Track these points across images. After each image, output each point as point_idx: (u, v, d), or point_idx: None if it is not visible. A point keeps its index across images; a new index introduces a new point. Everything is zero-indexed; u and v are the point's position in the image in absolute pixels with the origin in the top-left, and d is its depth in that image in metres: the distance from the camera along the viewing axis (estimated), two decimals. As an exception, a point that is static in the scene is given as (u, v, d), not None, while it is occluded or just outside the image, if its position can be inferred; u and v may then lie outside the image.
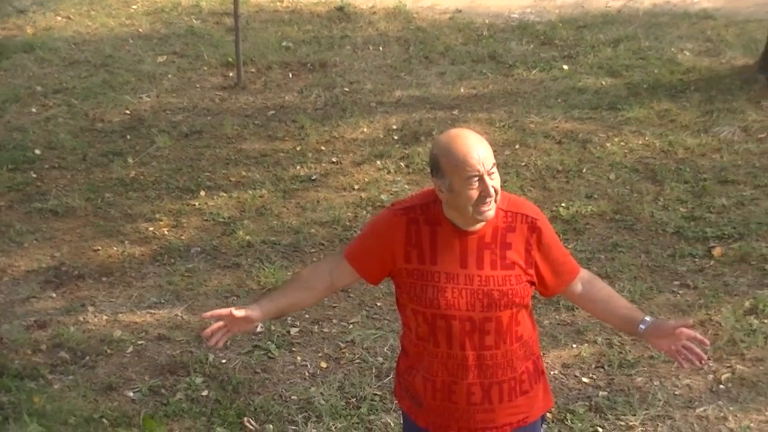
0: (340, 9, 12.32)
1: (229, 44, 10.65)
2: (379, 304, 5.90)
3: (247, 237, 6.75)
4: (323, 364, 5.32)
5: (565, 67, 9.96)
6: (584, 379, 5.10)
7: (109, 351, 5.50)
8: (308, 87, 9.76)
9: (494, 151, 2.98)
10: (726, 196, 7.01)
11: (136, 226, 7.00)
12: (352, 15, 12.16)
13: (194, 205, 7.30)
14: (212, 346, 3.16)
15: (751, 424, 4.69)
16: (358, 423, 4.79)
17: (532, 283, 3.12)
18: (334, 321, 5.75)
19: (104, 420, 4.87)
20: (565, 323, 5.61)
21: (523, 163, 7.74)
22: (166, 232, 6.91)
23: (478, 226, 3.03)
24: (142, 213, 7.20)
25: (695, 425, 4.70)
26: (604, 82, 9.46)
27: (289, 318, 5.67)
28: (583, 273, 3.28)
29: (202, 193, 7.48)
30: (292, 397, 5.03)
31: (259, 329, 5.55)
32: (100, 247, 6.72)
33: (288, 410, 4.91)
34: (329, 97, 9.43)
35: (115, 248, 6.71)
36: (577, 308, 5.41)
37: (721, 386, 4.98)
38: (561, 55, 10.37)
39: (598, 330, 5.47)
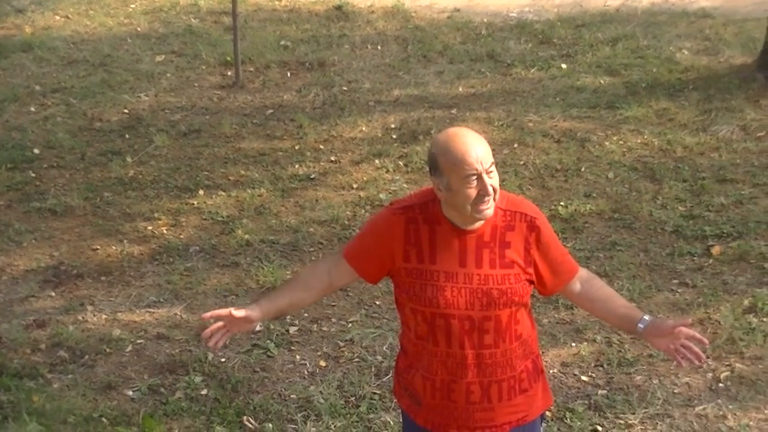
0: (339, 8, 12.32)
1: (227, 43, 10.65)
2: (378, 302, 5.91)
3: (246, 236, 6.75)
4: (322, 363, 5.33)
5: (564, 66, 9.97)
6: (583, 378, 5.11)
7: (108, 350, 5.50)
8: (307, 86, 9.76)
9: (493, 150, 2.99)
10: (725, 195, 7.01)
11: (134, 225, 7.00)
12: (350, 14, 12.16)
13: (193, 204, 7.30)
14: (212, 347, 3.16)
15: (750, 423, 4.69)
16: (357, 422, 4.79)
17: (531, 282, 3.12)
18: (333, 320, 5.76)
19: (103, 419, 4.87)
20: (564, 322, 5.61)
21: (521, 162, 7.74)
22: (164, 231, 6.91)
23: (477, 224, 3.03)
24: (140, 212, 7.20)
25: (694, 424, 4.70)
26: (602, 81, 9.46)
27: (288, 317, 5.67)
28: (582, 272, 3.28)
29: (201, 192, 7.48)
30: (292, 395, 5.03)
31: (258, 328, 5.54)
32: (98, 247, 6.72)
33: (287, 409, 4.91)
34: (328, 96, 9.43)
35: (113, 247, 6.71)
36: (576, 307, 5.41)
37: (721, 385, 4.99)
38: (559, 54, 10.37)
39: (597, 329, 5.48)
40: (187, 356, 5.40)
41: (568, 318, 5.63)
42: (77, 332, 5.66)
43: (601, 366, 5.19)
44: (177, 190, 7.53)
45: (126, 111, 9.29)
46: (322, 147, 8.24)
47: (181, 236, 6.85)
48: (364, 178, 7.59)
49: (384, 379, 5.10)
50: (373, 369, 5.22)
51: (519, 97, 9.20)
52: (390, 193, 7.25)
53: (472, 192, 2.91)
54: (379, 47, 10.89)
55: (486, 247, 3.04)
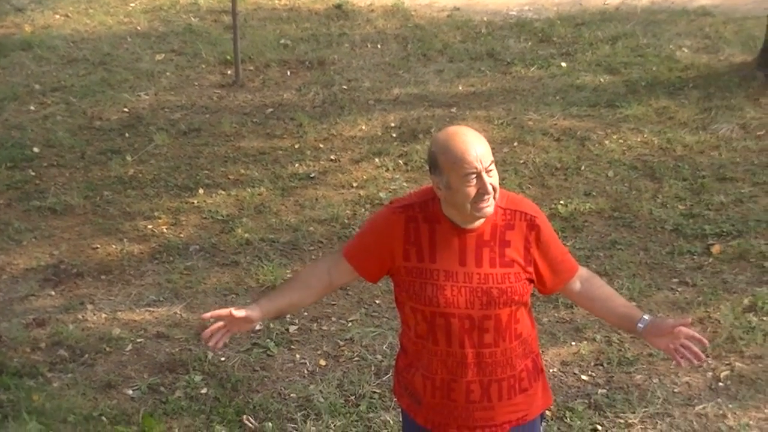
0: (338, 7, 12.32)
1: (227, 42, 10.65)
2: (378, 301, 5.90)
3: (246, 235, 6.75)
4: (322, 362, 5.32)
5: (564, 64, 9.97)
6: (583, 377, 5.10)
7: (108, 349, 5.50)
8: (306, 85, 9.76)
9: (492, 149, 2.98)
10: (724, 194, 7.01)
11: (134, 224, 7.00)
12: (350, 13, 12.16)
13: (193, 203, 7.30)
14: (212, 347, 3.16)
15: (750, 422, 4.69)
16: (357, 421, 4.79)
17: (531, 281, 3.12)
18: (333, 319, 5.75)
19: (103, 418, 4.87)
20: (564, 321, 5.61)
21: (521, 161, 7.74)
22: (164, 230, 6.91)
23: (477, 223, 3.03)
24: (140, 211, 7.20)
25: (694, 423, 4.70)
26: (602, 80, 9.46)
27: (288, 316, 5.67)
28: (582, 271, 3.27)
29: (201, 191, 7.48)
30: (291, 394, 5.03)
31: (257, 327, 5.54)
32: (98, 245, 6.72)
33: (287, 408, 4.91)
34: (327, 95, 9.43)
35: (113, 246, 6.70)
36: (576, 306, 5.41)
37: (720, 384, 4.98)
38: (559, 52, 10.37)
39: (597, 328, 5.47)
40: (186, 355, 5.40)
41: (567, 317, 5.63)
42: (77, 331, 5.66)
43: (601, 365, 5.19)
44: (177, 189, 7.53)
45: (126, 110, 9.29)
46: (322, 146, 8.24)
47: (181, 235, 6.84)
48: (364, 177, 7.59)
49: (384, 378, 5.10)
50: (372, 368, 5.22)
51: (519, 95, 9.20)
52: (390, 191, 7.25)
53: (472, 190, 2.91)
54: (378, 46, 10.89)
55: (486, 246, 3.04)
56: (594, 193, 7.14)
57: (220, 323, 3.13)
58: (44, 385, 5.15)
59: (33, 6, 12.79)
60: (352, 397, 4.98)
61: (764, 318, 5.52)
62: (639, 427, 4.68)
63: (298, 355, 5.40)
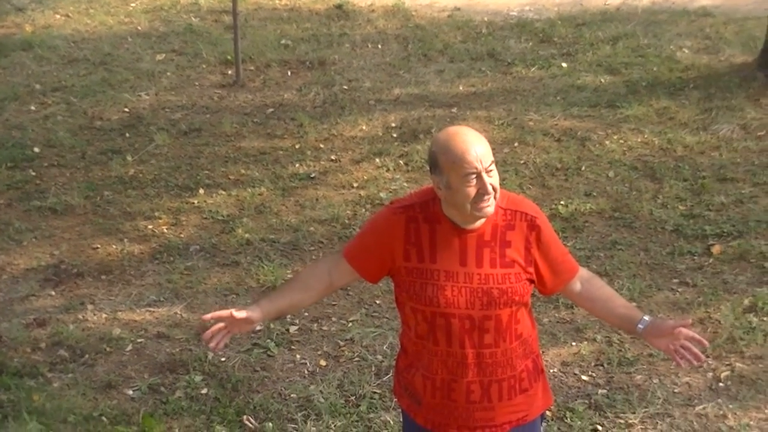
0: (339, 7, 12.32)
1: (227, 42, 10.65)
2: (378, 302, 5.90)
3: (246, 235, 6.75)
4: (322, 362, 5.32)
5: (564, 64, 9.97)
6: (583, 377, 5.10)
7: (108, 349, 5.50)
8: (307, 85, 9.76)
9: (493, 149, 2.98)
10: (725, 194, 7.01)
11: (135, 224, 7.00)
12: (350, 13, 12.16)
13: (193, 203, 7.30)
14: (213, 348, 3.16)
15: (751, 422, 4.69)
16: (357, 421, 4.79)
17: (532, 282, 3.12)
18: (334, 319, 5.75)
19: (103, 418, 4.87)
20: (564, 321, 5.61)
21: (522, 161, 7.74)
22: (165, 230, 6.91)
23: (478, 224, 3.02)
24: (141, 211, 7.20)
25: (695, 423, 4.70)
26: (603, 80, 9.46)
27: (289, 316, 5.67)
28: (583, 272, 3.27)
29: (201, 191, 7.48)
30: (292, 395, 5.03)
31: (258, 327, 5.53)
32: (99, 245, 6.72)
33: (287, 408, 4.91)
34: (328, 95, 9.43)
35: (114, 246, 6.71)
36: (576, 306, 5.40)
37: (721, 384, 4.98)
38: (560, 52, 10.37)
39: (597, 328, 5.47)
40: (187, 355, 5.40)
41: (568, 317, 5.63)
42: (77, 331, 5.66)
43: (602, 365, 5.19)
44: (177, 189, 7.53)
45: (126, 110, 9.29)
46: (322, 146, 8.24)
47: (182, 235, 6.85)
48: (365, 177, 7.59)
49: (384, 379, 5.10)
50: (373, 368, 5.22)
51: (519, 95, 9.20)
52: (390, 192, 7.25)
53: (472, 190, 2.91)
54: (379, 46, 10.89)
55: (486, 246, 3.03)
56: (594, 194, 7.14)
57: (221, 324, 3.13)
58: (44, 385, 5.15)
59: (33, 6, 12.79)
60: (353, 398, 4.98)
61: (764, 318, 5.52)
62: (639, 427, 4.68)
63: (298, 356, 5.40)
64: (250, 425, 4.80)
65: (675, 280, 6.00)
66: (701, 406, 4.81)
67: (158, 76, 10.14)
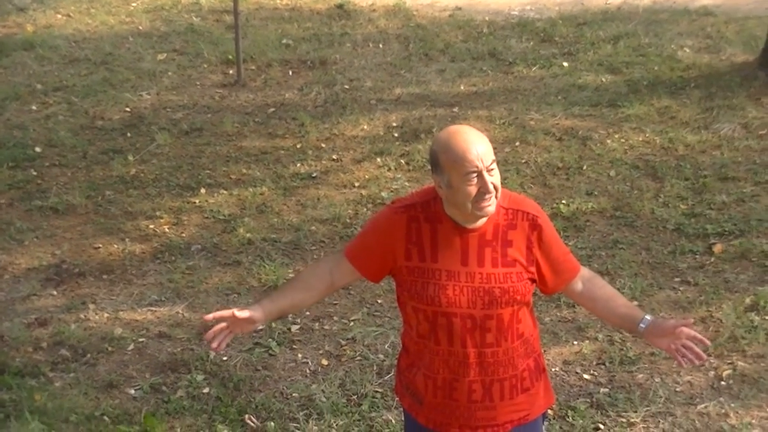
0: (340, 6, 12.33)
1: (229, 42, 10.66)
2: (380, 301, 5.90)
3: (248, 234, 6.75)
4: (324, 362, 5.32)
5: (565, 64, 9.97)
6: (585, 376, 5.10)
7: (110, 349, 5.50)
8: (308, 84, 9.76)
9: (494, 149, 2.98)
10: (726, 193, 7.01)
11: (136, 224, 7.00)
12: (351, 12, 12.17)
13: (195, 202, 7.31)
14: (215, 349, 3.15)
15: (753, 421, 4.69)
16: (359, 420, 4.79)
17: (533, 281, 3.11)
18: (335, 318, 5.76)
19: (105, 418, 4.87)
20: (566, 320, 5.61)
21: (523, 161, 7.74)
22: (166, 230, 6.91)
23: (479, 223, 3.02)
24: (142, 210, 7.20)
25: (696, 422, 4.70)
26: (604, 79, 9.46)
27: (290, 316, 5.67)
28: (584, 271, 3.27)
29: (203, 190, 7.48)
30: (293, 394, 5.03)
31: (259, 327, 5.53)
32: (100, 245, 6.72)
33: (289, 407, 4.91)
34: (329, 95, 9.43)
35: (115, 246, 6.71)
36: (577, 305, 5.40)
37: (723, 383, 4.98)
38: (561, 52, 10.37)
39: (599, 327, 5.47)
40: (188, 355, 5.40)
41: (570, 316, 5.63)
42: (79, 331, 5.66)
43: (603, 364, 5.19)
44: (179, 189, 7.54)
45: (128, 109, 9.30)
46: (323, 145, 8.24)
47: (183, 235, 6.85)
48: (366, 177, 7.59)
49: (386, 378, 5.10)
50: (374, 367, 5.22)
51: (520, 95, 9.20)
52: (392, 191, 7.25)
53: (473, 189, 2.91)
54: (380, 46, 10.89)
55: (488, 245, 3.03)
56: (596, 193, 7.14)
57: (223, 324, 3.13)
58: (46, 384, 5.15)
59: (35, 6, 12.80)
60: (354, 397, 4.98)
61: (766, 317, 5.52)
62: (641, 426, 4.68)
63: (300, 355, 5.40)
64: (252, 424, 4.80)
65: (676, 279, 6.00)
66: (703, 405, 4.81)
67: (159, 75, 10.14)
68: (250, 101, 9.40)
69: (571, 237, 6.47)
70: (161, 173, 7.82)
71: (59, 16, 12.48)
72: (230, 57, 10.30)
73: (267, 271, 6.24)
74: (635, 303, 5.47)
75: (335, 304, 5.88)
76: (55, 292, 6.15)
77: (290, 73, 10.14)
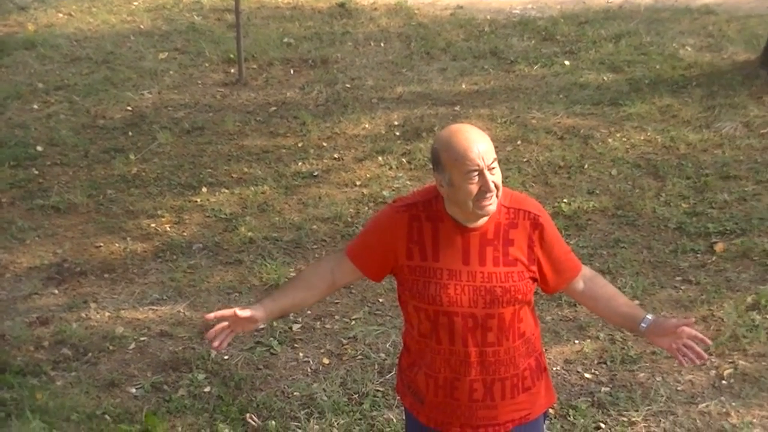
0: (342, 5, 12.33)
1: (230, 41, 10.66)
2: (381, 300, 5.90)
3: (249, 233, 6.75)
4: (325, 361, 5.33)
5: (567, 62, 9.97)
6: (586, 375, 5.10)
7: (111, 347, 5.50)
8: (310, 83, 9.76)
9: (496, 147, 2.98)
10: (728, 192, 7.00)
11: (137, 223, 7.00)
12: (353, 11, 12.17)
13: (196, 201, 7.31)
14: (216, 348, 3.15)
15: (754, 420, 4.69)
16: (360, 419, 4.79)
17: (535, 280, 3.11)
18: (336, 317, 5.76)
19: (106, 416, 4.87)
20: (567, 319, 5.61)
21: (524, 159, 7.73)
22: (168, 229, 6.92)
23: (480, 222, 3.02)
24: (143, 209, 7.20)
25: (697, 421, 4.69)
26: (605, 78, 9.45)
27: (291, 314, 5.66)
28: (585, 270, 3.26)
29: (204, 189, 7.48)
30: (295, 393, 5.03)
31: (261, 326, 5.54)
32: (102, 244, 6.73)
33: (290, 406, 4.91)
34: (331, 94, 9.43)
35: (117, 245, 6.71)
36: (579, 304, 5.40)
37: (724, 382, 4.98)
38: (562, 50, 10.37)
39: (600, 326, 5.47)
40: (190, 354, 5.41)
41: (571, 315, 5.63)
42: (80, 330, 5.66)
43: (605, 363, 5.19)
44: (180, 188, 7.54)
45: (129, 108, 9.30)
46: (325, 144, 8.24)
47: (185, 234, 6.85)
48: (368, 176, 7.59)
49: (387, 377, 5.10)
50: (376, 366, 5.22)
51: (522, 94, 9.19)
52: (393, 190, 7.25)
53: (474, 188, 2.90)
54: (382, 44, 10.89)
55: (489, 244, 3.03)
56: (597, 192, 7.14)
57: (224, 323, 3.13)
58: (47, 383, 5.16)
59: (36, 5, 12.82)
60: (356, 396, 4.98)
61: (767, 316, 5.51)
62: (642, 425, 4.68)
63: (301, 354, 5.40)
64: (253, 423, 4.80)
65: (678, 278, 6.00)
66: (704, 404, 4.81)
67: (161, 74, 10.14)
68: (252, 100, 9.40)
69: (573, 236, 6.47)
70: (163, 172, 7.82)
71: (60, 15, 12.49)
72: (232, 56, 10.30)
73: (268, 270, 6.24)
74: (636, 302, 5.47)
75: (336, 302, 5.88)
76: (56, 291, 6.16)
77: (292, 71, 10.14)
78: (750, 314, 5.53)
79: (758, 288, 5.78)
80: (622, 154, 7.73)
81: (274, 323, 5.59)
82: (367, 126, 8.58)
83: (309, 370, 5.26)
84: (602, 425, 4.69)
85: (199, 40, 11.17)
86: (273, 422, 4.78)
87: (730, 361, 5.14)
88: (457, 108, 8.91)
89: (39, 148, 8.34)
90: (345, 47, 10.80)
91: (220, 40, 11.09)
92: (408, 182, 7.39)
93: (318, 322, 5.70)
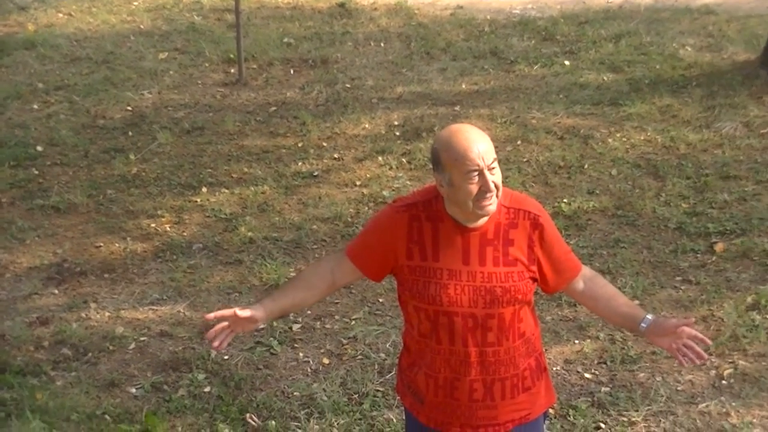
0: (342, 5, 12.33)
1: (230, 40, 10.66)
2: (381, 300, 5.90)
3: (249, 233, 6.75)
4: (325, 360, 5.33)
5: (567, 62, 9.96)
6: (586, 375, 5.10)
7: (111, 347, 5.50)
8: (310, 83, 9.76)
9: (496, 147, 2.98)
10: (728, 192, 7.00)
11: (137, 223, 7.00)
12: (353, 11, 12.17)
13: (196, 201, 7.31)
14: (216, 348, 3.15)
15: (754, 420, 4.69)
16: (360, 419, 4.79)
17: (535, 280, 3.11)
18: (337, 317, 5.76)
19: (106, 416, 4.87)
20: (567, 319, 5.60)
21: (524, 159, 7.73)
22: (168, 229, 6.92)
23: (480, 222, 3.02)
24: (143, 209, 7.20)
25: (697, 421, 4.69)
26: (605, 78, 9.45)
27: (291, 314, 5.66)
28: (585, 270, 3.26)
29: (204, 189, 7.48)
30: (295, 393, 5.03)
31: (261, 326, 5.53)
32: (102, 244, 6.73)
33: (290, 406, 4.91)
34: (331, 93, 9.43)
35: (117, 245, 6.71)
36: (579, 304, 5.39)
37: (724, 382, 4.98)
38: (562, 50, 10.37)
39: (600, 326, 5.47)
40: (190, 354, 5.41)
41: (571, 315, 5.63)
42: (80, 330, 5.66)
43: (605, 363, 5.19)
44: (180, 188, 7.54)
45: (129, 108, 9.30)
46: (325, 144, 8.24)
47: (185, 234, 6.85)
48: (368, 176, 7.59)
49: (387, 377, 5.10)
50: (376, 366, 5.22)
51: (522, 94, 9.19)
52: (393, 190, 7.25)
53: (474, 188, 2.90)
54: (382, 44, 10.89)
55: (489, 244, 3.03)
56: (597, 192, 7.14)
57: (224, 323, 3.13)
58: (47, 383, 5.16)
59: (36, 5, 12.82)
60: (356, 396, 4.98)
61: (767, 316, 5.51)
62: (642, 425, 4.68)
63: (301, 354, 5.40)
64: (253, 423, 4.80)
65: (678, 278, 6.00)
66: (704, 404, 4.81)
67: (161, 74, 10.14)
68: (252, 100, 9.40)
69: (573, 236, 6.47)
70: (163, 172, 7.82)
71: (60, 15, 12.49)
72: (232, 56, 10.30)
73: (268, 270, 6.24)
74: (636, 302, 5.47)
75: (336, 302, 5.88)
76: (56, 291, 6.16)
77: (292, 71, 10.14)
78: (750, 314, 5.53)
79: (758, 288, 5.78)
80: (622, 154, 7.73)
81: (274, 323, 5.59)
82: (367, 126, 8.58)
83: (309, 370, 5.26)
84: (602, 425, 4.69)
85: (199, 40, 11.18)
86: (273, 422, 4.78)
87: (730, 361, 5.14)
88: (457, 108, 8.91)
89: (39, 148, 8.34)
90: (345, 47, 10.80)
91: (220, 40, 11.09)
92: (408, 182, 7.39)
93: (318, 322, 5.70)
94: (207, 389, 5.08)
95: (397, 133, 8.37)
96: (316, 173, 7.70)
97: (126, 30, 11.77)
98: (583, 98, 8.92)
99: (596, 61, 9.95)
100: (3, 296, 6.12)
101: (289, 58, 10.47)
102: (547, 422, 3.49)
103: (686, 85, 9.09)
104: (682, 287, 5.89)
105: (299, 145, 8.25)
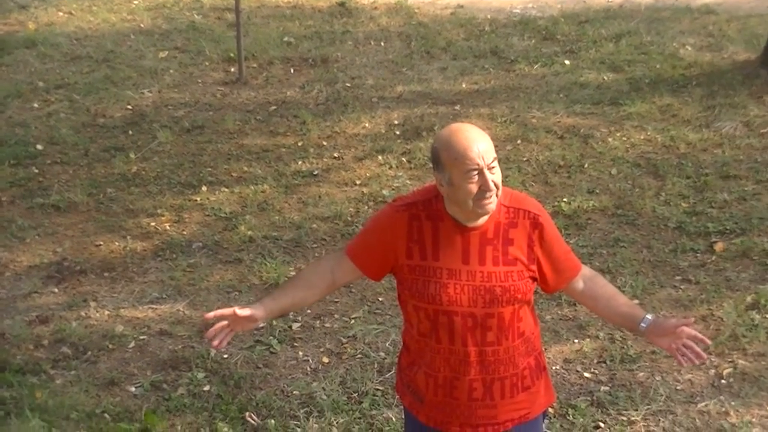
0: (342, 4, 12.33)
1: (230, 39, 10.66)
2: (380, 299, 5.91)
3: (249, 232, 6.75)
4: (325, 359, 5.33)
5: (567, 62, 9.96)
6: (586, 374, 5.10)
7: (110, 346, 5.50)
8: (310, 82, 9.76)
9: (496, 147, 2.98)
10: (728, 191, 7.00)
11: (137, 222, 7.01)
12: (353, 10, 12.17)
13: (196, 200, 7.31)
14: (216, 347, 3.15)
15: (753, 419, 4.69)
16: (359, 418, 4.79)
17: (534, 279, 3.11)
18: (336, 316, 5.76)
19: (106, 415, 4.87)
20: (566, 318, 5.61)
21: (524, 159, 7.73)
22: (167, 228, 6.92)
23: (480, 221, 3.02)
24: (143, 208, 7.20)
25: (697, 420, 4.70)
26: (605, 77, 9.45)
27: (291, 313, 5.67)
28: (585, 270, 3.26)
29: (204, 188, 7.48)
30: (294, 392, 5.03)
31: (260, 325, 5.53)
32: (101, 243, 6.73)
33: (290, 405, 4.91)
34: (331, 93, 9.43)
35: (116, 243, 6.71)
36: (578, 303, 5.39)
37: (723, 381, 4.98)
38: (563, 50, 10.37)
39: (599, 325, 5.47)
40: (189, 352, 5.41)
41: (570, 314, 5.63)
42: (80, 328, 5.66)
43: (604, 362, 5.19)
44: (180, 187, 7.54)
45: (129, 107, 9.30)
46: (325, 143, 8.24)
47: (184, 232, 6.85)
48: (367, 175, 7.59)
49: (386, 376, 5.10)
50: (375, 365, 5.22)
51: (522, 93, 9.19)
52: (393, 189, 7.25)
53: (474, 187, 2.90)
54: (382, 43, 10.89)
55: (489, 244, 3.03)
56: (597, 191, 7.14)
57: (224, 322, 3.13)
58: (47, 382, 5.16)
59: (37, 3, 12.81)
60: (355, 395, 4.98)
61: (767, 316, 5.51)
62: (641, 424, 4.68)
63: (301, 353, 5.40)
64: (253, 422, 4.80)
65: (678, 278, 6.00)
66: (703, 404, 4.81)
67: (161, 73, 10.14)
68: (252, 99, 9.40)
69: (573, 235, 6.47)
70: (163, 171, 7.82)
71: (61, 13, 12.48)
72: (232, 55, 10.30)
73: (268, 269, 6.25)
74: (636, 301, 5.47)
75: (336, 302, 5.89)
76: (56, 290, 6.16)
77: (292, 71, 10.14)
78: (749, 314, 5.53)
79: (758, 287, 5.78)
80: (622, 154, 7.74)
81: (274, 322, 5.59)
82: (367, 125, 8.58)
83: (308, 368, 5.26)
84: (601, 424, 4.69)
85: (199, 38, 11.17)
86: (272, 421, 4.78)
87: (729, 360, 5.14)
88: (458, 107, 8.91)
89: (39, 147, 8.34)
90: (345, 46, 10.80)
91: (221, 39, 11.09)
92: (408, 181, 7.39)
93: (318, 321, 5.70)
94: (206, 388, 5.08)
95: (397, 133, 8.37)
96: (316, 172, 7.70)
97: (126, 29, 11.77)
98: (583, 97, 8.92)
99: (596, 60, 9.95)
100: (3, 295, 6.12)
101: (289, 57, 10.46)
102: (546, 421, 3.49)
103: (686, 85, 9.09)
104: (682, 287, 5.89)
105: (299, 144, 8.25)
